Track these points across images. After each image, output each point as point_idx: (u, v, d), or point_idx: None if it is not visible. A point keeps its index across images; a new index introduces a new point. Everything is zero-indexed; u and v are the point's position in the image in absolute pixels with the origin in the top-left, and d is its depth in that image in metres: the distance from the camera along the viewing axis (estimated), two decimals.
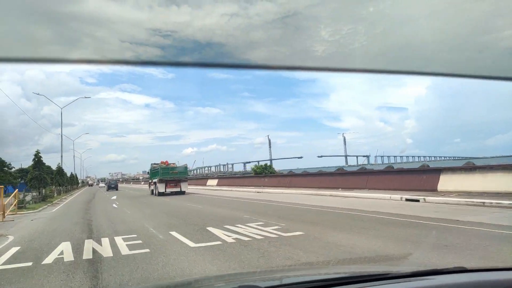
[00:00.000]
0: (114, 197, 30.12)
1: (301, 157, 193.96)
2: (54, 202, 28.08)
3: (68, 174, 75.45)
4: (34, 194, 28.02)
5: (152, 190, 33.02)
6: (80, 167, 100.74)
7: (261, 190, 27.18)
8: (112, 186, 54.75)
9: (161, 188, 30.07)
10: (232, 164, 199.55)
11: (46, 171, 37.06)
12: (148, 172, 38.28)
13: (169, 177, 30.40)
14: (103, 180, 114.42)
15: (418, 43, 1.08)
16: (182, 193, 30.33)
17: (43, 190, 31.10)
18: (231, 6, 0.87)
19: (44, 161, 34.41)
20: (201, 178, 63.23)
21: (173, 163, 33.00)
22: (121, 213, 15.60)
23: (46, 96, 41.37)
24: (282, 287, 1.62)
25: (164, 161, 32.47)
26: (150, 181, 35.55)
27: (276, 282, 1.83)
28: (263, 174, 39.72)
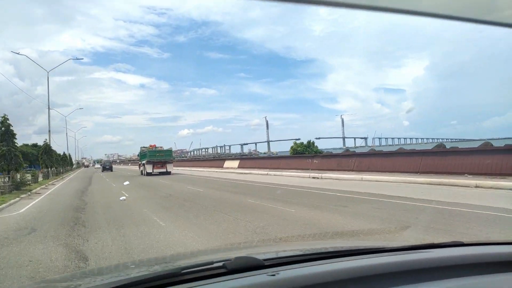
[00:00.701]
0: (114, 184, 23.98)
1: (298, 139, 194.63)
2: (33, 191, 20.13)
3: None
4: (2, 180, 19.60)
5: (142, 171, 36.72)
6: (75, 148, 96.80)
7: (319, 174, 20.38)
8: (106, 167, 59.30)
9: (148, 168, 34.07)
10: (230, 146, 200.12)
11: (23, 148, 31.54)
12: (138, 155, 43.35)
13: (155, 159, 34.19)
14: (99, 161, 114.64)
15: (420, 24, 0.92)
16: (168, 173, 33.96)
17: (17, 174, 21.02)
18: None
19: (15, 139, 21.72)
20: (214, 159, 55.87)
21: (161, 147, 36.70)
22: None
23: (29, 57, 37.90)
24: (279, 259, 1.60)
25: (152, 145, 36.80)
26: (140, 162, 39.83)
27: (273, 254, 1.83)
28: (309, 153, 30.92)
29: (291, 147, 38.30)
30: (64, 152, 62.76)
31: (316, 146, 37.90)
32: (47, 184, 26.27)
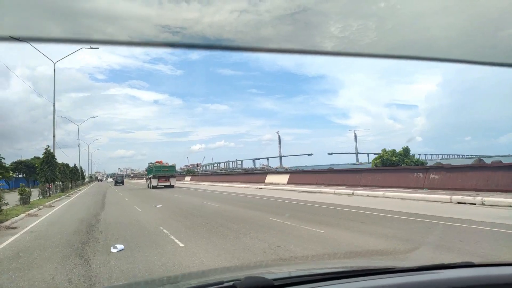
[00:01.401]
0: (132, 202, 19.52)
1: (311, 154, 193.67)
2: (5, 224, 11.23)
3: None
4: None
5: (148, 184, 40.55)
6: (88, 161, 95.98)
7: (463, 197, 12.01)
8: (118, 181, 63.52)
9: (154, 182, 37.73)
10: (242, 161, 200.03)
11: (33, 161, 32.86)
12: (146, 170, 48.63)
13: (160, 174, 38.01)
14: (112, 175, 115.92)
15: (429, 40, 1.07)
16: (171, 186, 37.39)
17: None
18: (240, 2, 0.87)
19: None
20: (253, 173, 45.91)
21: (166, 163, 40.35)
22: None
23: (33, 46, 40.08)
24: (289, 279, 1.60)
25: (159, 161, 40.50)
26: (147, 176, 43.92)
27: (283, 274, 1.84)
28: (412, 165, 22.21)
29: (377, 156, 27.05)
30: (75, 164, 56.66)
31: (413, 155, 26.77)
32: (41, 207, 17.37)
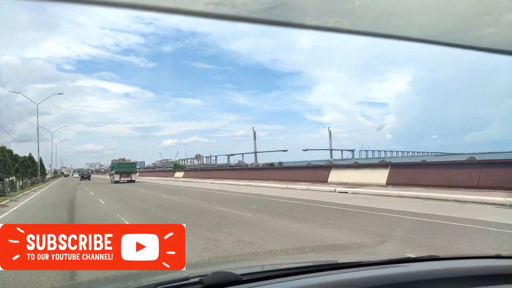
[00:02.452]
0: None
1: (286, 150, 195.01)
2: None
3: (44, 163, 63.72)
4: None
5: (111, 179, 44.51)
6: (53, 156, 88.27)
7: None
8: (85, 176, 64.43)
9: (116, 177, 41.92)
10: (216, 156, 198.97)
11: None
12: (109, 166, 56.33)
13: (122, 170, 42.35)
14: (79, 170, 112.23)
15: (405, 33, 1.08)
16: (132, 181, 41.51)
17: None
18: None
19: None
20: (259, 169, 39.79)
21: (129, 159, 45.94)
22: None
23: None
24: (257, 274, 1.60)
25: (122, 158, 45.44)
26: (111, 172, 47.82)
27: (251, 269, 1.83)
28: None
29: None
30: (30, 154, 43.49)
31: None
32: None
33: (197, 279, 1.41)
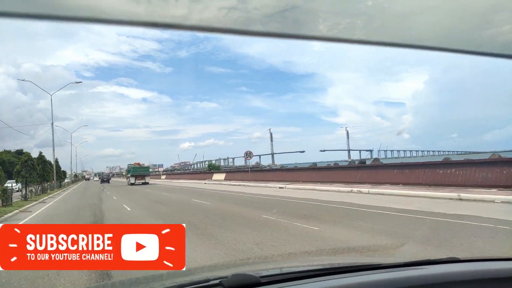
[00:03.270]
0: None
1: (303, 151, 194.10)
2: None
3: (65, 169, 62.56)
4: None
5: (128, 182, 49.97)
6: (73, 160, 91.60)
7: None
8: (104, 179, 69.30)
9: (132, 180, 47.63)
10: (233, 158, 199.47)
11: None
12: (126, 170, 59.83)
13: (137, 173, 48.35)
14: (100, 174, 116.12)
15: (416, 39, 1.08)
16: (146, 183, 46.81)
17: None
18: (229, 0, 0.87)
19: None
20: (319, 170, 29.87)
21: (143, 164, 51.98)
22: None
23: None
24: (276, 276, 1.60)
25: (137, 163, 51.31)
26: (127, 175, 53.60)
27: (270, 271, 1.84)
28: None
29: None
30: (40, 153, 34.91)
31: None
32: None
33: (217, 281, 1.43)
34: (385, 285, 1.46)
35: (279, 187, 23.38)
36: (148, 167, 53.40)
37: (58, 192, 36.96)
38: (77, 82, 55.39)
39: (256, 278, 1.46)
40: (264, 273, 1.67)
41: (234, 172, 45.51)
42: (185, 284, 1.47)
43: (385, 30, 1.00)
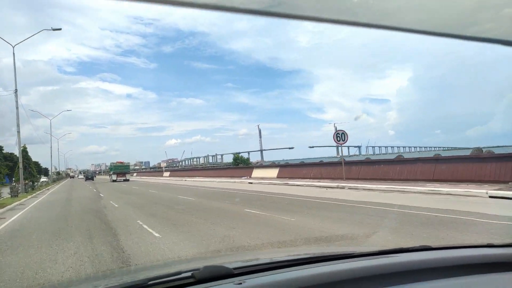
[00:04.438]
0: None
1: (292, 148, 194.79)
2: None
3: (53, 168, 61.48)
4: None
5: (110, 179, 54.56)
6: (58, 158, 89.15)
7: None
8: (89, 177, 70.55)
9: (114, 177, 52.65)
10: (222, 155, 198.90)
11: None
12: (109, 168, 65.54)
13: (118, 171, 53.12)
14: (85, 171, 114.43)
15: (403, 36, 1.08)
16: (127, 180, 51.07)
17: None
18: None
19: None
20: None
21: (124, 162, 56.36)
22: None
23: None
24: (248, 267, 1.59)
25: (120, 161, 55.88)
26: (110, 173, 60.10)
27: (242, 263, 1.82)
28: None
29: None
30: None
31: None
32: None
33: (189, 274, 1.42)
34: (359, 273, 1.47)
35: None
36: (128, 166, 59.08)
37: (19, 201, 22.00)
38: (54, 29, 31.82)
39: (229, 269, 1.47)
40: (238, 265, 1.67)
41: (292, 167, 32.42)
42: (158, 277, 1.46)
43: (371, 20, 1.00)
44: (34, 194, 28.53)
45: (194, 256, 5.68)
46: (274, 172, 31.55)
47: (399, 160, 22.91)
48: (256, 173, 35.19)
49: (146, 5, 0.89)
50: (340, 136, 22.41)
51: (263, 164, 49.31)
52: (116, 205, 15.93)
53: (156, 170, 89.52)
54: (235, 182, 30.41)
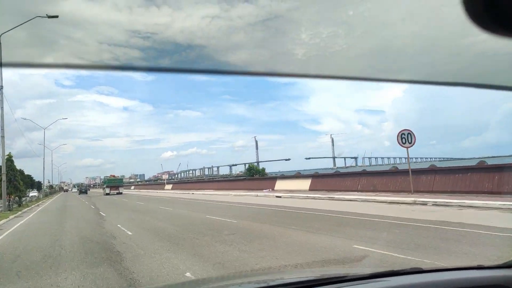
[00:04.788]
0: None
1: (289, 159, 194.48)
2: None
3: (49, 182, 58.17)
4: None
5: (104, 192, 55.69)
6: (52, 171, 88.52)
7: None
8: (82, 190, 72.01)
9: (107, 190, 53.50)
10: (218, 167, 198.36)
11: None
12: (102, 182, 66.06)
13: (112, 184, 54.39)
14: (79, 185, 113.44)
15: (396, 47, 1.10)
16: (120, 193, 51.96)
17: None
18: (212, 8, 0.86)
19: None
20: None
21: (118, 176, 60.51)
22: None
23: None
24: None
25: (112, 175, 58.97)
26: (103, 186, 61.56)
27: (248, 285, 1.85)
28: None
29: None
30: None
31: None
32: None
33: None
34: None
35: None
36: (121, 179, 63.45)
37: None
38: (50, 17, 22.44)
39: None
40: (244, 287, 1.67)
41: (328, 178, 27.43)
42: None
43: (365, 39, 1.02)
44: (19, 213, 23.04)
45: (199, 278, 5.60)
46: (305, 184, 26.82)
47: (492, 167, 16.20)
48: (280, 185, 30.16)
49: (145, 20, 0.90)
50: (406, 138, 17.53)
51: (284, 175, 39.74)
52: (130, 233, 10.61)
53: (157, 183, 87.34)
54: (257, 195, 26.06)
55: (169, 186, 61.02)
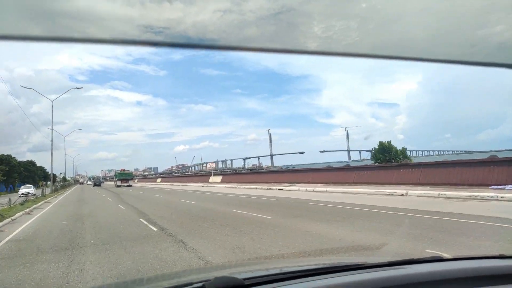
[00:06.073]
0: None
1: (303, 152, 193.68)
2: None
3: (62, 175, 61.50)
4: None
5: (115, 184, 62.98)
6: (67, 165, 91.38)
7: None
8: (97, 183, 74.86)
9: (118, 183, 61.07)
10: (231, 160, 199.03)
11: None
12: (114, 175, 76.83)
13: (122, 177, 62.44)
14: (93, 177, 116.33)
15: (410, 39, 1.08)
16: (130, 185, 59.49)
17: None
18: (224, 2, 0.87)
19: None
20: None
21: (127, 170, 68.84)
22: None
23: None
24: (259, 278, 1.60)
25: (123, 169, 69.62)
26: (115, 179, 68.99)
27: (253, 273, 1.82)
28: None
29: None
30: None
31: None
32: None
33: (200, 284, 1.43)
34: (369, 285, 1.47)
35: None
36: (131, 173, 75.20)
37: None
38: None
39: (240, 280, 1.48)
40: (248, 275, 1.67)
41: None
42: (169, 287, 1.49)
43: (378, 32, 1.01)
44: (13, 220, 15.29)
45: (205, 266, 5.69)
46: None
47: None
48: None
49: (157, 14, 0.92)
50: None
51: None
52: None
53: (197, 174, 75.49)
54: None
55: (218, 178, 45.63)
